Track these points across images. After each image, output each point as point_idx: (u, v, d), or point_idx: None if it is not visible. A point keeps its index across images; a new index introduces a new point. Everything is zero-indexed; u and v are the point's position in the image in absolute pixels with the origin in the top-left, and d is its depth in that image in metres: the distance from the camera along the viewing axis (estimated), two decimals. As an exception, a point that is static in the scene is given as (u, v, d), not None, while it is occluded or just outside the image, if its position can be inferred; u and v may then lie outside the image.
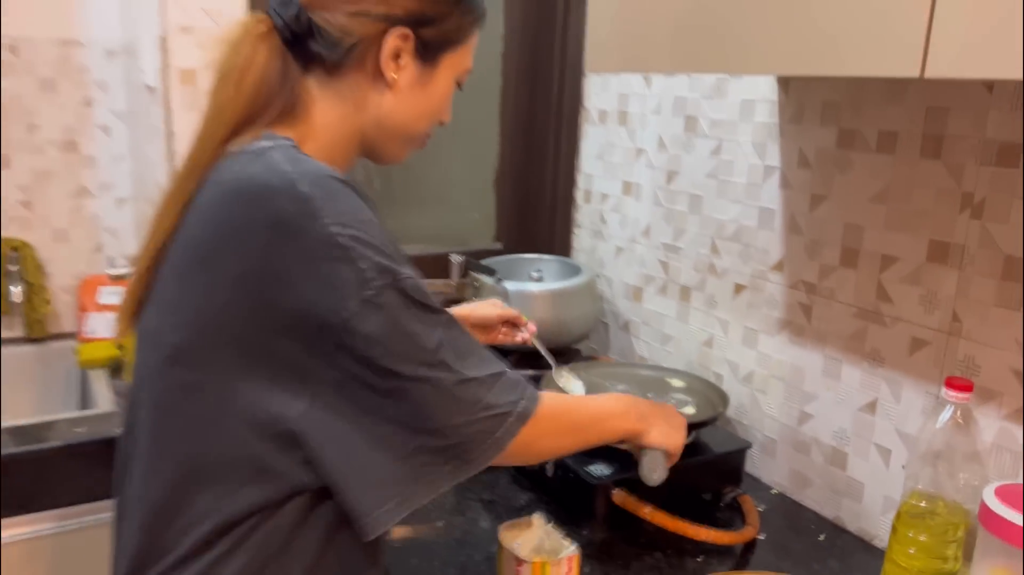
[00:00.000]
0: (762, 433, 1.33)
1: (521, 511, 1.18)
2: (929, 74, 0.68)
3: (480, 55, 1.82)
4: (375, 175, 1.70)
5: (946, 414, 0.97)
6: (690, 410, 1.26)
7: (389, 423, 0.75)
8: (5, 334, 1.79)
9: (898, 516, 1.02)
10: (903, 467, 1.10)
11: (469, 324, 1.23)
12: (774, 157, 1.27)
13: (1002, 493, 0.89)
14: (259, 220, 0.72)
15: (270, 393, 0.74)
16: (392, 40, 0.81)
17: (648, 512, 1.10)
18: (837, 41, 0.76)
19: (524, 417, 0.80)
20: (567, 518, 1.16)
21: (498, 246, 1.83)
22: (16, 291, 1.71)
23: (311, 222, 0.71)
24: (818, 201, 1.20)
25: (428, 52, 0.85)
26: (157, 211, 0.82)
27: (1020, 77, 0.62)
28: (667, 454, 1.01)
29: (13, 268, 1.73)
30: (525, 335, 1.27)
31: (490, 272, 1.49)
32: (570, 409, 0.90)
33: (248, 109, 0.79)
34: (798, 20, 0.80)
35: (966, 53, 0.66)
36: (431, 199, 1.82)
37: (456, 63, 0.89)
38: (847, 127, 1.15)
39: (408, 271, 0.75)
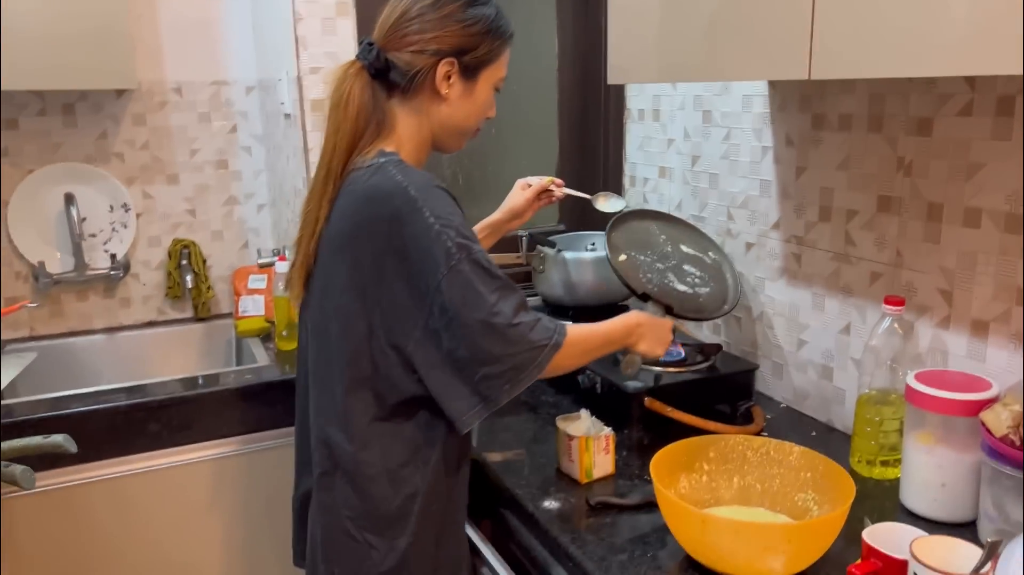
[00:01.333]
0: (771, 360, 1.66)
1: (578, 419, 1.56)
2: (814, 77, 1.02)
3: (539, 70, 2.22)
4: (459, 173, 2.11)
5: (885, 323, 1.30)
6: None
7: (463, 358, 1.09)
8: (179, 315, 2.29)
9: (859, 403, 1.35)
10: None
11: (510, 217, 1.60)
12: (768, 139, 1.60)
13: (921, 377, 1.21)
14: (384, 215, 1.09)
15: (394, 332, 1.11)
16: (443, 67, 1.15)
17: (670, 411, 1.45)
18: (753, 56, 1.11)
19: (557, 347, 1.11)
20: (612, 422, 1.51)
21: (561, 227, 2.21)
22: (189, 279, 2.19)
23: (418, 215, 1.07)
24: (800, 172, 1.53)
25: (469, 72, 1.18)
26: (309, 206, 1.19)
27: (888, 75, 0.94)
28: (644, 358, 1.37)
29: (184, 262, 2.22)
30: (559, 192, 1.61)
31: (551, 245, 1.87)
32: (587, 336, 1.21)
33: (355, 126, 1.15)
34: (740, 43, 1.15)
35: (839, 60, 1.00)
36: (505, 190, 2.19)
37: (492, 75, 1.21)
38: (817, 112, 1.47)
39: (478, 248, 1.08)
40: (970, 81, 1.20)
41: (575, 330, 1.18)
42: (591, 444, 1.32)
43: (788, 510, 1.17)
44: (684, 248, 1.69)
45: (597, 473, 1.33)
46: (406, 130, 1.20)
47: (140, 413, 1.69)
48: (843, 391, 1.50)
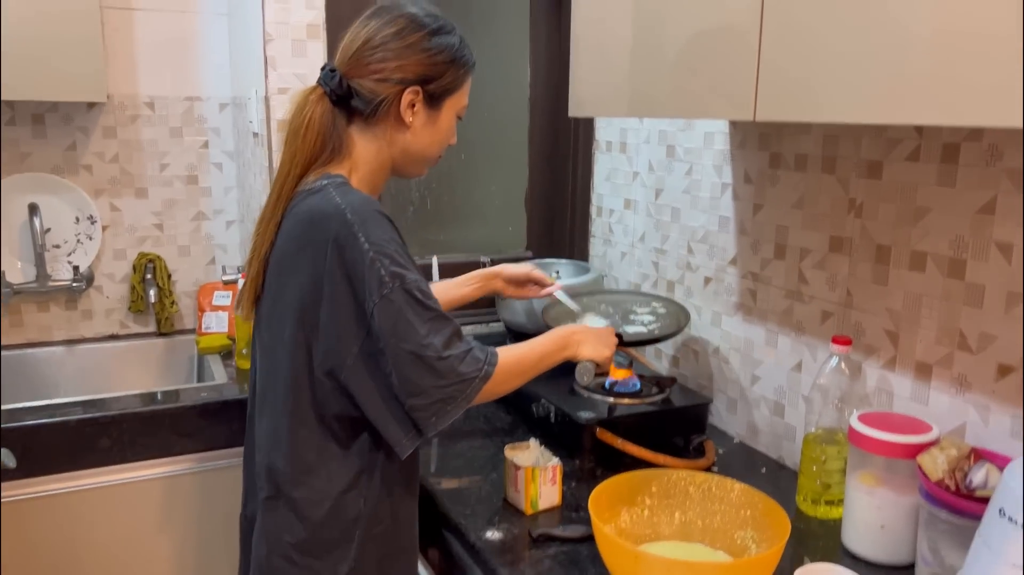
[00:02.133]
0: (726, 394, 1.67)
1: (530, 448, 1.55)
2: (759, 119, 1.04)
3: (511, 99, 2.24)
4: (428, 197, 2.11)
5: (832, 362, 1.31)
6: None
7: (395, 386, 1.08)
8: (141, 329, 2.27)
9: (805, 442, 1.35)
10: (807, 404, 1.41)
11: (503, 278, 1.59)
12: (728, 176, 1.62)
13: (864, 418, 1.22)
14: (323, 238, 1.07)
15: (329, 357, 1.10)
16: (407, 96, 1.15)
17: (620, 442, 1.45)
18: (704, 96, 1.13)
19: (486, 378, 1.11)
20: (564, 452, 1.52)
21: (528, 254, 2.22)
22: (152, 293, 2.18)
23: (354, 240, 1.05)
24: (758, 209, 1.55)
25: (434, 100, 1.18)
26: (259, 229, 1.19)
27: (828, 120, 0.96)
28: (596, 363, 1.34)
29: (149, 276, 2.21)
30: (549, 291, 1.61)
31: (514, 271, 1.88)
32: (519, 360, 1.20)
33: (312, 151, 1.15)
34: (692, 83, 1.17)
35: (781, 104, 1.02)
36: (473, 216, 2.22)
37: (455, 103, 1.21)
38: (775, 151, 1.49)
39: (414, 276, 1.07)
40: (918, 127, 1.22)
41: (507, 355, 1.17)
42: (537, 475, 1.31)
43: (727, 547, 1.17)
44: (627, 306, 1.75)
45: (543, 504, 1.33)
46: (363, 156, 1.19)
47: (90, 428, 1.67)
48: (794, 428, 1.50)
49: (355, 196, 1.10)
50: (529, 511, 1.32)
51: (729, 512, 1.18)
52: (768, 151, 1.51)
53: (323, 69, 1.18)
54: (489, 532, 1.26)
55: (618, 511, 1.19)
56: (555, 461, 1.34)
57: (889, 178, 1.27)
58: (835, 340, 1.29)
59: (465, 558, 1.28)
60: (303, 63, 1.76)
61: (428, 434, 1.12)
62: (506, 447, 1.37)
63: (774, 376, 1.54)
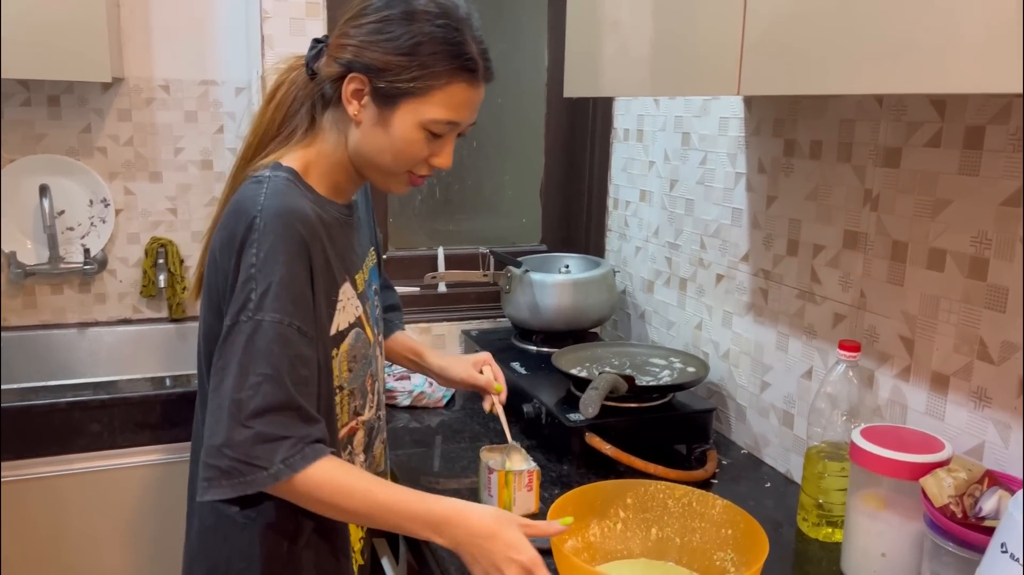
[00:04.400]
0: (735, 401, 1.54)
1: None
2: (742, 93, 0.93)
3: (527, 83, 2.14)
4: (436, 186, 2.04)
5: (839, 370, 1.18)
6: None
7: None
8: (154, 314, 2.26)
9: (807, 457, 1.23)
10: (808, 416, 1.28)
11: (439, 369, 1.35)
12: (742, 165, 1.49)
13: (867, 433, 1.09)
14: (232, 232, 0.93)
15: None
16: (350, 83, 0.96)
17: (608, 448, 1.35)
18: (687, 72, 1.02)
19: (275, 478, 0.88)
20: (554, 456, 1.43)
21: (543, 247, 2.12)
22: (162, 278, 2.16)
23: (248, 248, 0.91)
24: (771, 201, 1.42)
25: (384, 98, 0.96)
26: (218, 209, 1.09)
27: (814, 92, 0.85)
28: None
29: (160, 261, 2.19)
30: (488, 404, 1.32)
31: (517, 265, 1.78)
32: (350, 493, 0.92)
33: (270, 125, 1.03)
34: (678, 60, 1.06)
35: (765, 77, 0.91)
36: (486, 207, 2.13)
37: (417, 111, 0.96)
38: (789, 138, 1.37)
39: (273, 316, 0.89)
40: (939, 109, 1.09)
41: (340, 479, 0.92)
42: (511, 479, 1.22)
43: (705, 569, 1.06)
44: (641, 357, 1.63)
45: (517, 511, 1.23)
46: (324, 146, 1.04)
47: (78, 412, 1.65)
48: (803, 440, 1.38)
49: (283, 202, 0.94)
50: (501, 518, 1.23)
51: (709, 531, 1.07)
52: (783, 138, 1.38)
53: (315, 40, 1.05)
54: (454, 539, 1.17)
55: (588, 523, 1.09)
56: (532, 465, 1.25)
57: (908, 166, 1.14)
58: (842, 346, 1.16)
59: (431, 563, 1.20)
60: (301, 42, 1.67)
61: (201, 498, 0.90)
62: (483, 448, 1.29)
63: (784, 383, 1.41)
